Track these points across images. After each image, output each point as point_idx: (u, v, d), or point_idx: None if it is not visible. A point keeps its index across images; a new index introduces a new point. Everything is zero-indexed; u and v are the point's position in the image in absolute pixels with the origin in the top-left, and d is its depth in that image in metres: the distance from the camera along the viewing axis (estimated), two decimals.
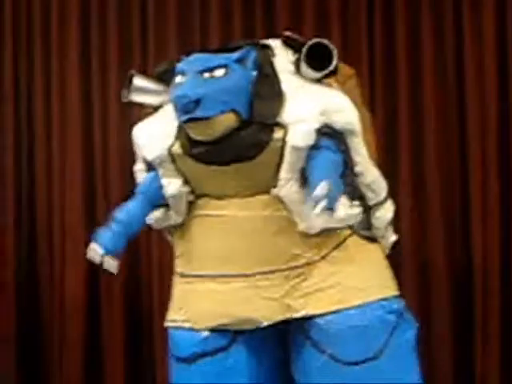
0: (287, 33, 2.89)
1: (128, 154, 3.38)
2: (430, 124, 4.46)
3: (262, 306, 2.68)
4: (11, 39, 4.85)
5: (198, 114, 2.52)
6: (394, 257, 3.11)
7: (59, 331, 4.69)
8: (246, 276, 2.69)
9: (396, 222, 3.10)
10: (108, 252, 2.73)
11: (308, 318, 2.68)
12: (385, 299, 2.75)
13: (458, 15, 4.49)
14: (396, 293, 2.83)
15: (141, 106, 2.98)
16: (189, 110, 2.53)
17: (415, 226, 4.40)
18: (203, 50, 2.99)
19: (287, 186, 2.60)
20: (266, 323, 2.68)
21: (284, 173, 2.59)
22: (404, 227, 4.14)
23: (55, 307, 4.72)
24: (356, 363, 2.61)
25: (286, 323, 2.73)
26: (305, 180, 2.62)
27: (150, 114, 2.95)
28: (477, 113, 4.43)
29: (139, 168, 2.96)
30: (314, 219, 2.53)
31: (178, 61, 2.81)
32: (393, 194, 3.00)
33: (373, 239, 2.86)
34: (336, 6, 4.55)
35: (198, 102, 2.50)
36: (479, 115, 4.43)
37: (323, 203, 2.33)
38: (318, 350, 2.66)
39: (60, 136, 4.76)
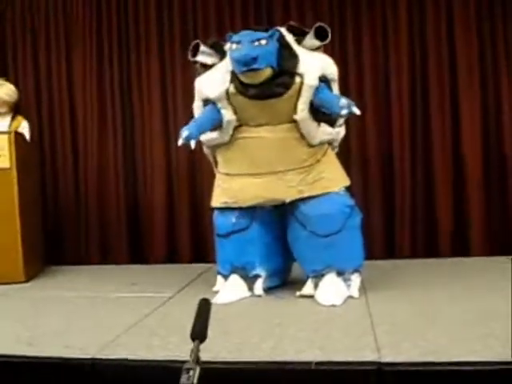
0: (291, 22, 4.35)
1: None
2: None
3: (286, 190, 4.15)
4: None
5: (255, 66, 3.95)
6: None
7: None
8: (274, 173, 4.16)
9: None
10: (191, 135, 4.06)
11: (296, 204, 4.12)
12: (342, 194, 4.21)
13: None
14: (348, 183, 4.33)
15: (200, 64, 4.35)
16: (249, 63, 3.94)
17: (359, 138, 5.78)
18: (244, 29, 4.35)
19: (303, 113, 4.08)
20: (288, 200, 4.16)
21: (301, 104, 4.07)
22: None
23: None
24: (326, 236, 4.07)
25: (284, 209, 4.22)
26: (312, 111, 4.07)
27: (201, 73, 4.36)
28: None
29: (197, 105, 4.39)
30: (316, 134, 4.08)
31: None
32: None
33: (334, 147, 4.46)
34: None
35: (255, 59, 3.93)
36: None
37: (345, 110, 3.84)
38: (303, 227, 4.16)
39: None
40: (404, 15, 5.76)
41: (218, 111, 4.19)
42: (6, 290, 4.86)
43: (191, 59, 4.37)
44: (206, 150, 4.60)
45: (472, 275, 4.73)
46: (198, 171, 5.99)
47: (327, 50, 4.49)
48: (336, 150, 4.55)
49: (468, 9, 5.65)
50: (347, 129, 4.76)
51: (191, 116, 4.47)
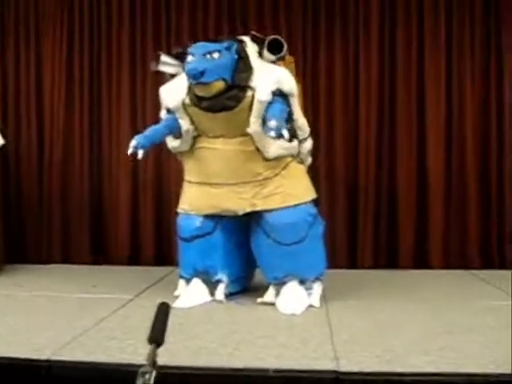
0: (253, 32, 4.35)
1: None
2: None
3: (238, 202, 4.18)
4: None
5: (202, 80, 3.96)
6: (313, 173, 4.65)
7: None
8: (229, 184, 4.18)
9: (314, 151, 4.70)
10: (140, 145, 4.08)
11: (260, 213, 4.15)
12: (307, 204, 4.23)
13: None
14: (314, 196, 4.35)
15: (163, 74, 4.39)
16: (197, 77, 3.97)
17: (325, 152, 5.81)
18: (205, 40, 4.37)
19: (255, 125, 4.05)
20: (240, 213, 4.20)
21: (253, 117, 4.04)
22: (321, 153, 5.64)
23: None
24: (289, 244, 4.09)
25: (249, 217, 4.23)
26: (264, 123, 4.00)
27: (169, 80, 4.37)
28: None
29: (163, 113, 4.41)
30: (271, 148, 4.04)
31: (187, 47, 4.20)
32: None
33: (301, 162, 4.44)
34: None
35: (202, 73, 3.93)
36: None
37: (273, 133, 3.79)
38: (266, 235, 4.16)
39: None
40: (375, 31, 5.85)
41: (177, 120, 4.24)
42: None
43: (153, 69, 4.41)
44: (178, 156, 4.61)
45: (431, 287, 4.79)
46: (164, 172, 5.98)
47: (298, 63, 4.53)
48: (307, 162, 4.57)
49: (438, 27, 5.78)
50: (316, 142, 4.79)
51: (158, 116, 4.52)
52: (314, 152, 4.79)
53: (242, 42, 4.21)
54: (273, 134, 3.81)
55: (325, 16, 5.90)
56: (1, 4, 6.25)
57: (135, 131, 5.80)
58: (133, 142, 4.09)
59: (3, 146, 5.46)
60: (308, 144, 4.49)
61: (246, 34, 4.44)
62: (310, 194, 4.36)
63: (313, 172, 4.63)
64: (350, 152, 5.90)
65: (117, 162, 6.11)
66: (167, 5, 6.10)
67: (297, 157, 4.36)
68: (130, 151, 4.12)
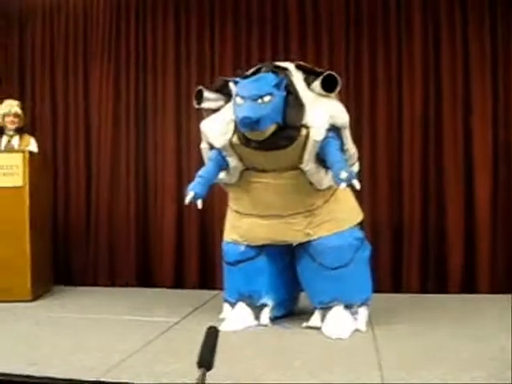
0: (299, 62, 4.24)
1: None
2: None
3: (291, 233, 4.17)
4: None
5: (257, 128, 3.85)
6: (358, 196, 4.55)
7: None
8: (280, 216, 4.16)
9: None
10: (197, 196, 4.06)
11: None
12: (353, 228, 4.20)
13: None
14: (361, 217, 4.33)
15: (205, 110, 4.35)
16: (251, 126, 3.85)
17: (369, 174, 5.75)
18: (248, 73, 4.24)
19: (310, 163, 4.00)
20: (294, 243, 4.20)
21: (307, 155, 3.97)
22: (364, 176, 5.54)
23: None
24: (334, 268, 4.07)
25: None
26: (318, 160, 3.98)
27: (210, 114, 4.32)
28: None
29: (204, 146, 4.35)
30: (324, 181, 4.01)
31: (227, 79, 4.21)
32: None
33: (349, 185, 4.38)
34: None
35: (257, 122, 3.82)
36: None
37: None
38: (312, 259, 4.15)
39: None
40: (418, 50, 5.80)
41: (224, 158, 4.19)
42: (13, 308, 4.87)
43: (196, 107, 4.34)
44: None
45: (480, 313, 4.68)
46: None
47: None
48: (357, 186, 4.46)
49: (483, 44, 5.68)
50: (360, 164, 4.77)
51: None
52: (359, 174, 4.73)
53: (286, 70, 4.12)
54: (343, 185, 3.72)
55: (367, 36, 5.88)
56: (50, 43, 6.48)
57: (179, 161, 6.06)
58: (190, 194, 4.03)
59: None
60: (355, 168, 4.46)
61: (287, 57, 4.39)
62: (357, 215, 4.34)
63: (357, 196, 4.58)
64: (394, 175, 5.84)
65: (162, 187, 6.22)
66: (211, 30, 6.18)
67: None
68: (187, 201, 4.08)
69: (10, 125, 5.58)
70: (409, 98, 5.80)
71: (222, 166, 4.24)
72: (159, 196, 6.24)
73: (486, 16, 5.67)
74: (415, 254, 5.73)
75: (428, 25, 5.78)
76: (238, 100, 3.95)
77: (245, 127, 3.90)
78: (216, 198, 5.49)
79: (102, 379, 2.96)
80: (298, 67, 4.17)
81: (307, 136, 3.95)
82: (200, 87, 4.35)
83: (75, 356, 3.40)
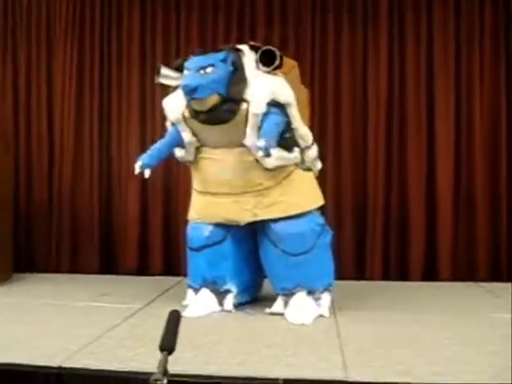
0: (251, 42, 4.35)
1: None
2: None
3: (240, 212, 4.20)
4: None
5: (196, 96, 4.01)
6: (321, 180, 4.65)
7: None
8: (231, 194, 4.21)
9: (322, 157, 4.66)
10: (145, 165, 4.15)
11: (266, 223, 4.15)
12: (313, 213, 4.23)
13: None
14: (321, 203, 4.36)
15: (165, 86, 4.41)
16: (190, 93, 4.01)
17: (333, 159, 5.81)
18: (202, 51, 4.36)
19: (251, 138, 4.04)
20: (242, 223, 4.22)
21: (249, 130, 4.05)
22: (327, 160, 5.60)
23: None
24: (296, 255, 4.09)
25: (256, 227, 4.24)
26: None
27: (171, 92, 4.39)
28: None
29: (168, 124, 4.46)
30: (269, 159, 3.98)
31: (186, 59, 4.24)
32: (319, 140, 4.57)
33: (308, 169, 4.43)
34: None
35: (195, 89, 3.98)
36: None
37: (261, 152, 3.78)
38: (274, 245, 4.16)
39: None
40: (384, 33, 5.87)
41: (179, 133, 4.29)
42: None
43: (156, 82, 4.43)
44: None
45: (440, 300, 4.77)
46: (172, 182, 6.00)
47: (305, 70, 4.49)
48: (316, 168, 4.56)
49: (447, 27, 5.78)
50: (324, 151, 4.79)
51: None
52: (322, 160, 4.74)
53: (239, 51, 4.21)
54: (260, 153, 3.83)
55: (333, 19, 5.93)
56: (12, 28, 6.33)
57: (144, 143, 5.94)
58: (138, 163, 4.15)
59: None
60: (312, 152, 4.46)
61: (253, 40, 4.45)
62: (314, 201, 4.35)
63: (320, 182, 4.60)
64: (359, 161, 5.90)
65: (126, 172, 6.10)
66: (177, 12, 6.14)
67: (301, 165, 4.35)
68: (136, 171, 4.18)
69: None
70: (374, 82, 5.87)
71: (178, 140, 4.32)
72: (123, 181, 6.18)
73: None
74: (378, 241, 5.81)
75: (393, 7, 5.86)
76: (185, 72, 4.13)
77: (185, 95, 4.06)
78: (181, 183, 5.48)
79: (66, 365, 2.94)
80: (252, 47, 4.26)
81: (248, 110, 4.04)
82: (159, 64, 4.45)
83: (35, 342, 3.37)
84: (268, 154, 3.83)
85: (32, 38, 6.33)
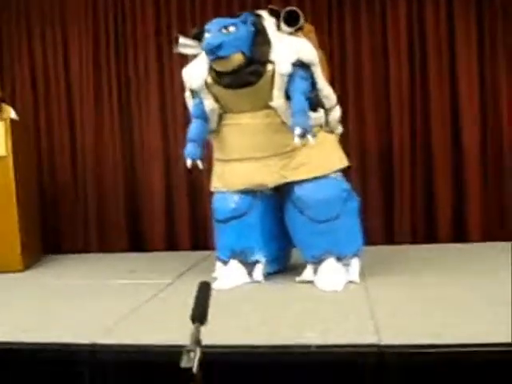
0: (271, 6, 4.30)
1: None
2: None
3: (268, 175, 4.19)
4: None
5: (220, 54, 3.97)
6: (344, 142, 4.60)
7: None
8: (258, 158, 4.19)
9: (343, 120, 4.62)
10: (195, 158, 4.21)
11: (292, 190, 4.12)
12: (338, 179, 4.20)
13: None
14: (345, 164, 4.31)
15: (186, 56, 4.40)
16: (214, 52, 3.97)
17: (357, 123, 5.76)
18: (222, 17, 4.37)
19: (278, 99, 4.04)
20: (270, 185, 4.21)
21: (276, 91, 4.03)
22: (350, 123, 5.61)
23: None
24: (324, 221, 4.07)
25: (282, 193, 4.22)
26: (288, 97, 4.02)
27: (190, 61, 4.38)
28: None
29: (187, 95, 4.45)
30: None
31: (204, 27, 4.20)
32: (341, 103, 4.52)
33: (331, 131, 4.40)
34: None
35: (218, 47, 3.94)
36: None
37: (299, 139, 3.81)
38: (300, 212, 4.13)
39: None
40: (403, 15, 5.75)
41: (203, 106, 4.26)
42: (3, 278, 4.87)
43: (175, 51, 4.40)
44: None
45: (471, 261, 4.72)
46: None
47: (323, 33, 4.42)
48: (337, 131, 4.51)
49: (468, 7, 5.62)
50: (345, 111, 4.72)
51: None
52: (344, 124, 4.72)
53: (258, 15, 4.18)
54: (298, 141, 3.83)
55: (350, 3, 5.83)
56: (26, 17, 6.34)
57: (165, 121, 6.04)
58: (188, 159, 4.21)
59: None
60: (336, 113, 4.42)
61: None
62: (339, 162, 4.30)
63: (345, 146, 4.54)
64: (382, 122, 5.81)
65: (148, 149, 6.18)
66: None
67: (325, 126, 4.31)
68: (189, 166, 4.25)
69: None
70: (394, 43, 5.76)
71: (206, 119, 4.29)
72: (146, 158, 6.18)
73: None
74: (405, 204, 5.74)
75: None
76: (206, 35, 4.09)
77: (208, 54, 4.01)
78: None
79: (99, 341, 2.96)
80: (271, 12, 4.22)
81: (274, 71, 4.00)
82: (177, 34, 4.42)
83: (70, 320, 3.40)
84: (305, 138, 3.84)
85: (47, 21, 6.33)
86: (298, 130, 3.82)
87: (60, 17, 6.31)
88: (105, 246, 6.22)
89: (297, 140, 3.83)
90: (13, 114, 5.55)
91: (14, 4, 6.37)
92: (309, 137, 3.86)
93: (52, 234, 6.20)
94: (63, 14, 6.30)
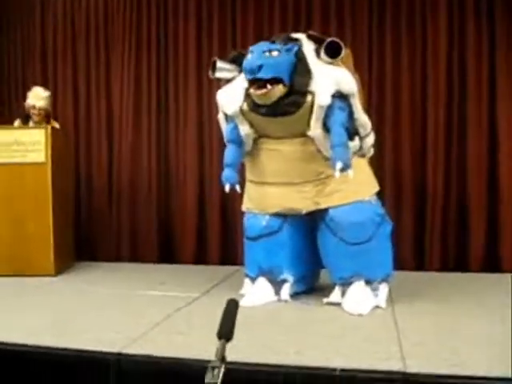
0: (310, 32, 4.30)
1: None
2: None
3: (301, 201, 4.20)
4: None
5: (259, 75, 3.96)
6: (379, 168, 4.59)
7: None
8: (292, 184, 4.20)
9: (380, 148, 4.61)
10: (233, 183, 4.23)
11: (326, 211, 4.12)
12: (372, 203, 4.18)
13: None
14: (377, 189, 4.30)
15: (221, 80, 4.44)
16: (253, 72, 3.96)
17: (392, 148, 5.74)
18: (264, 40, 4.35)
19: (316, 129, 4.05)
20: (304, 211, 4.20)
21: (313, 122, 4.03)
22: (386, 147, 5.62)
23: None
24: (356, 244, 4.05)
25: (315, 215, 4.22)
26: (326, 127, 4.02)
27: (225, 84, 4.41)
28: None
29: (221, 116, 4.46)
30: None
31: (243, 51, 4.26)
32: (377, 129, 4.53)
33: (363, 154, 4.40)
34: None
35: (259, 67, 3.94)
36: None
37: (339, 173, 3.81)
38: (333, 234, 4.12)
39: None
40: (444, 27, 5.72)
41: (238, 130, 4.27)
42: (37, 282, 4.95)
43: (211, 77, 4.41)
44: None
45: (502, 292, 4.62)
46: None
47: (362, 65, 4.41)
48: (369, 154, 4.52)
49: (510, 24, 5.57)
50: (382, 141, 4.70)
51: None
52: (380, 150, 4.74)
53: (297, 40, 4.18)
54: (337, 174, 3.84)
55: (390, 18, 5.83)
56: (72, 31, 6.56)
57: (200, 137, 6.14)
58: (226, 184, 4.21)
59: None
60: (370, 139, 4.43)
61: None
62: (372, 187, 4.31)
63: (380, 172, 4.53)
64: (418, 151, 5.78)
65: (183, 163, 6.27)
66: (233, 5, 6.16)
67: (358, 151, 4.32)
68: (227, 190, 4.25)
69: (36, 117, 5.61)
70: (433, 77, 5.73)
71: (241, 143, 4.32)
72: (180, 172, 6.27)
73: None
74: (437, 231, 5.68)
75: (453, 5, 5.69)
76: (248, 55, 4.09)
77: (248, 74, 4.00)
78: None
79: (126, 351, 3.00)
80: (310, 37, 4.21)
81: (313, 102, 4.00)
82: (214, 58, 4.41)
83: (98, 329, 3.45)
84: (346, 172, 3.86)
85: (91, 41, 6.52)
86: (339, 165, 3.82)
87: (104, 37, 6.50)
88: (136, 256, 6.31)
89: (338, 174, 3.84)
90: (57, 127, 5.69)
91: (60, 25, 6.57)
92: (349, 171, 3.86)
93: (86, 241, 6.32)
94: (107, 34, 6.49)
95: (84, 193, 6.47)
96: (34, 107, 5.57)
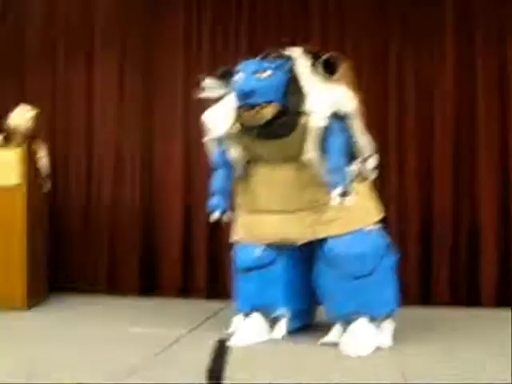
0: (306, 47, 3.96)
1: None
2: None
3: (298, 230, 3.88)
4: None
5: (250, 101, 3.69)
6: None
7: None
8: (287, 212, 3.90)
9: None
10: (221, 211, 3.96)
11: (324, 242, 3.80)
12: (376, 231, 3.87)
13: None
14: (380, 216, 3.99)
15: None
16: (245, 98, 3.70)
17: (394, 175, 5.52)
18: (253, 56, 4.01)
19: (312, 152, 3.74)
20: (300, 242, 3.89)
21: (309, 144, 3.74)
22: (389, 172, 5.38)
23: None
24: (357, 277, 3.73)
25: (312, 246, 3.88)
26: (322, 150, 3.72)
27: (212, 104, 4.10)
28: None
29: (208, 139, 4.15)
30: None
31: (231, 67, 3.95)
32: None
33: (364, 178, 4.06)
34: None
35: (252, 93, 3.67)
36: None
37: (338, 200, 3.52)
38: (331, 267, 3.79)
39: None
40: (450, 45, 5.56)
41: (226, 156, 4.02)
42: (8, 317, 4.67)
43: (197, 97, 4.12)
44: None
45: None
46: None
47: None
48: (371, 178, 4.17)
49: None
50: (387, 164, 4.57)
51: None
52: (383, 172, 4.51)
53: (290, 57, 3.88)
54: (335, 202, 3.56)
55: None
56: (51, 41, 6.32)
57: (187, 161, 5.87)
58: (214, 214, 3.97)
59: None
60: (372, 161, 4.10)
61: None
62: (374, 214, 3.98)
63: (385, 200, 4.26)
64: (424, 175, 5.56)
65: (169, 187, 5.99)
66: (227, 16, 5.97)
67: (358, 176, 3.99)
68: (213, 219, 4.00)
69: (18, 138, 5.30)
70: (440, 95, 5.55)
71: (230, 169, 4.05)
72: (165, 197, 5.98)
73: None
74: (445, 262, 5.44)
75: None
76: (238, 76, 3.80)
77: (239, 99, 3.74)
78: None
79: None
80: (306, 52, 3.91)
81: (307, 123, 3.72)
82: (200, 76, 4.13)
83: (76, 370, 3.13)
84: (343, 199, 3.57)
85: (70, 55, 6.30)
86: (336, 192, 3.55)
87: (87, 49, 6.25)
88: (115, 287, 5.99)
89: (336, 201, 3.55)
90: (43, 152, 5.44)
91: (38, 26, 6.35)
92: (347, 199, 3.57)
93: (61, 269, 5.96)
94: (89, 54, 6.26)
95: (60, 219, 6.09)
96: (14, 131, 5.28)
